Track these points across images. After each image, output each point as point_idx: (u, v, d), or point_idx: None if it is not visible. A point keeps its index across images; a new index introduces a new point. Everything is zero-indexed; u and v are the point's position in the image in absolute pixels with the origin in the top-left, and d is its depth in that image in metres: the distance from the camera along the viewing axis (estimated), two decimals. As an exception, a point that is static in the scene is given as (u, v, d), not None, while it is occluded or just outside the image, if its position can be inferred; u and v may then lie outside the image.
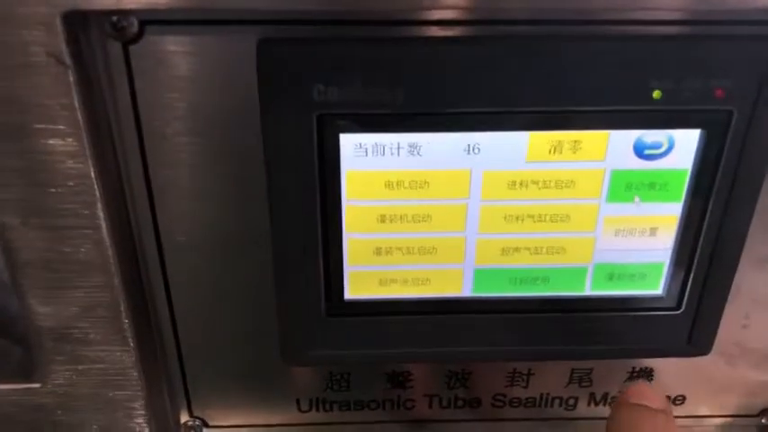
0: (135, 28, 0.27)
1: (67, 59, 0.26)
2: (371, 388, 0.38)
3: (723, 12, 0.27)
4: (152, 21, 0.27)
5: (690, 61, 0.28)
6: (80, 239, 0.30)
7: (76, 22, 0.26)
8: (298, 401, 0.38)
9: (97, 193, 0.29)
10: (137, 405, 0.34)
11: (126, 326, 0.32)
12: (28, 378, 0.34)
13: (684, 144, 0.30)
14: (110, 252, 0.30)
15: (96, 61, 0.28)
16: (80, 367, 0.33)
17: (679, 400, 0.39)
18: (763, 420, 0.40)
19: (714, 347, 0.35)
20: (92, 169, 0.28)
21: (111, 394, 0.34)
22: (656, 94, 0.29)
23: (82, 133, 0.28)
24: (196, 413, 0.38)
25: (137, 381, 0.34)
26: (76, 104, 0.27)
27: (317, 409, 0.38)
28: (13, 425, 0.35)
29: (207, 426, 0.38)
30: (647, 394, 0.30)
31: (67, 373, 0.34)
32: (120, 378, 0.34)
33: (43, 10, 0.25)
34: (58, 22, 0.25)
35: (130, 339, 0.32)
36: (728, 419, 0.40)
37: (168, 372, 0.36)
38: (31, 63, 0.26)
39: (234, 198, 0.31)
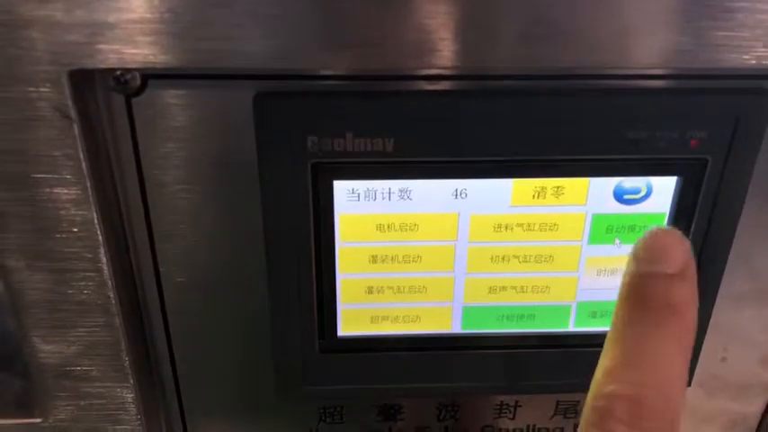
0: (137, 82, 0.29)
1: (73, 114, 0.28)
2: (364, 420, 0.39)
3: (696, 68, 0.28)
4: (154, 75, 0.29)
5: (666, 113, 0.30)
6: (83, 282, 0.31)
7: (82, 79, 0.27)
8: (291, 434, 0.39)
9: (100, 239, 0.30)
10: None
11: (126, 363, 0.33)
12: (29, 413, 0.35)
13: (662, 190, 0.32)
14: (111, 294, 0.31)
15: (100, 113, 0.29)
16: (81, 403, 0.34)
17: (661, 430, 0.40)
18: (743, 449, 0.41)
19: (694, 380, 0.37)
20: (95, 216, 0.30)
21: (111, 429, 0.35)
22: (635, 144, 0.30)
23: (86, 182, 0.29)
24: (193, 446, 0.39)
25: (136, 415, 0.35)
26: (81, 155, 0.28)
27: (311, 441, 0.39)
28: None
29: (204, 458, 0.39)
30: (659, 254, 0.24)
31: (69, 408, 0.35)
32: (120, 413, 0.35)
33: (51, 68, 0.26)
34: (65, 79, 0.27)
35: (130, 376, 0.34)
36: (709, 449, 0.41)
37: (166, 405, 0.37)
38: (39, 117, 0.27)
39: (231, 241, 0.33)
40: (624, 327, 0.24)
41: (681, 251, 0.24)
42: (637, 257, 0.24)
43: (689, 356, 0.23)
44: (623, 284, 0.24)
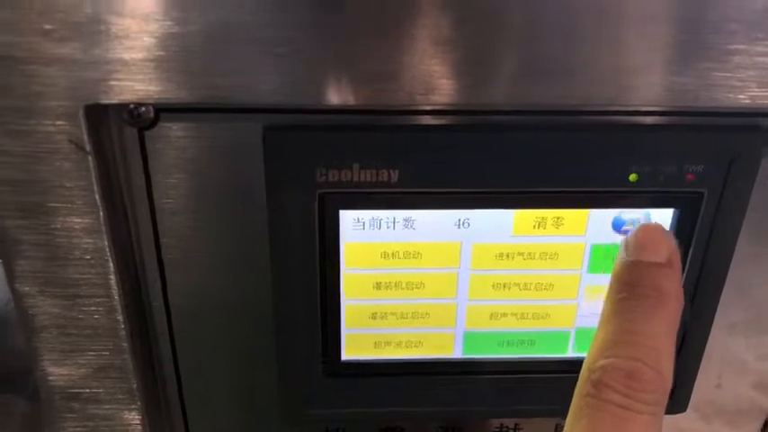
0: (151, 115, 0.29)
1: (88, 146, 0.28)
2: (366, 442, 0.40)
3: (694, 106, 0.29)
4: (166, 108, 0.29)
5: (664, 149, 0.30)
6: (93, 307, 0.32)
7: (97, 113, 0.28)
8: (295, 455, 0.40)
9: (111, 266, 0.31)
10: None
11: (134, 386, 0.34)
12: (38, 434, 0.36)
13: (659, 221, 0.33)
14: (121, 319, 0.32)
15: (113, 145, 0.30)
16: (89, 424, 0.35)
17: (658, 453, 0.41)
18: (738, 473, 0.42)
19: (690, 406, 0.38)
20: (107, 244, 0.30)
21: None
22: (633, 177, 0.31)
23: (99, 212, 0.30)
24: (198, 467, 0.40)
25: (144, 438, 0.36)
26: (95, 186, 0.29)
27: (314, 463, 0.40)
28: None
29: (208, 479, 0.40)
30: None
31: (77, 430, 0.35)
32: (129, 436, 0.35)
33: (68, 103, 0.27)
34: (81, 113, 0.28)
35: (138, 399, 0.34)
36: (705, 472, 0.42)
37: (172, 428, 0.38)
38: (55, 149, 0.28)
39: (238, 269, 0.33)
40: (615, 309, 0.26)
41: (667, 243, 0.26)
42: (627, 246, 0.26)
43: (674, 338, 0.26)
44: (614, 271, 0.27)
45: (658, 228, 0.27)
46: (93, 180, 0.29)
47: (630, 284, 0.26)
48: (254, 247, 0.33)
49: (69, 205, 0.30)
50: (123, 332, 0.33)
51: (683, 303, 0.26)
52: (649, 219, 0.33)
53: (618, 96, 0.29)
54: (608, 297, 0.26)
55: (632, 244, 0.26)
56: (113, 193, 0.30)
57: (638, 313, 0.25)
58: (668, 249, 0.26)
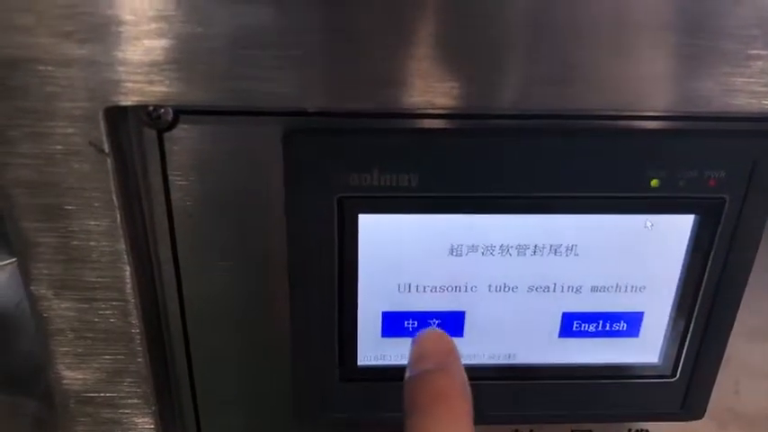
0: (170, 117, 0.29)
1: (107, 148, 0.28)
2: (379, 447, 0.39)
3: (715, 112, 0.29)
4: (186, 110, 0.29)
5: (686, 154, 0.30)
6: (109, 311, 0.32)
7: (116, 115, 0.28)
8: (307, 460, 0.39)
9: (128, 269, 0.31)
10: (155, 465, 0.36)
11: (149, 390, 0.34)
12: (52, 438, 0.35)
13: (680, 227, 0.32)
14: (136, 322, 0.32)
15: (131, 147, 0.30)
16: (103, 428, 0.35)
17: (674, 460, 0.41)
18: (753, 480, 0.41)
19: (707, 412, 0.37)
20: (124, 247, 0.30)
21: (131, 455, 0.36)
22: (654, 182, 0.31)
23: (116, 214, 0.30)
24: (211, 473, 0.39)
25: (156, 441, 0.35)
26: (113, 188, 0.29)
27: (326, 468, 0.40)
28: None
29: (221, 484, 0.40)
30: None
31: (90, 433, 0.35)
32: (140, 439, 0.35)
33: (88, 105, 0.27)
34: (101, 115, 0.27)
35: (152, 403, 0.34)
36: (721, 479, 0.42)
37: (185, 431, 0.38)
38: (73, 152, 0.28)
39: (254, 273, 0.33)
40: (407, 420, 0.27)
41: (438, 348, 0.28)
42: (408, 364, 0.28)
43: None
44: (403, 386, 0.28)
45: (428, 334, 0.29)
46: (111, 182, 0.29)
47: (411, 398, 0.27)
48: (270, 251, 0.32)
49: (87, 207, 0.29)
50: (138, 336, 0.32)
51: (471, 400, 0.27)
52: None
53: (639, 102, 0.29)
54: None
55: (409, 359, 0.28)
56: (131, 196, 0.30)
57: (424, 422, 0.26)
58: (439, 355, 0.28)
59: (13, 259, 0.53)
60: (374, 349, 0.35)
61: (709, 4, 0.26)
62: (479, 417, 0.37)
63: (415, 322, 0.34)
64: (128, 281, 0.31)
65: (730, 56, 0.27)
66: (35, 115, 0.27)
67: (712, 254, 0.33)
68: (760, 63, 0.27)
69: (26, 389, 0.39)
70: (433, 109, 0.29)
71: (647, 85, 0.28)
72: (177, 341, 0.35)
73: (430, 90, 0.28)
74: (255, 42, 0.27)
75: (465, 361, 0.34)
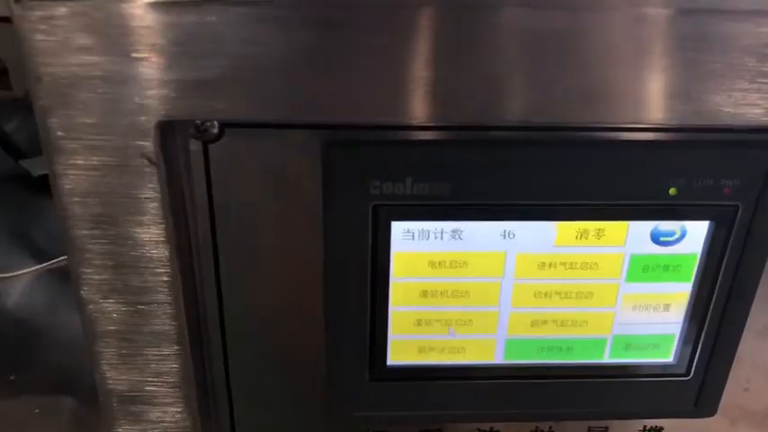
0: (216, 130, 0.31)
1: (157, 160, 0.30)
2: (406, 444, 0.41)
3: (728, 124, 0.31)
4: (231, 123, 0.31)
5: (702, 164, 0.32)
6: (155, 314, 0.33)
7: (166, 128, 0.30)
8: (337, 457, 0.41)
9: (173, 275, 0.32)
10: (193, 461, 0.37)
11: (190, 390, 0.35)
12: (94, 436, 0.37)
13: (695, 233, 0.34)
14: (180, 326, 0.33)
15: (179, 158, 0.31)
16: (143, 426, 0.36)
17: (686, 455, 0.42)
18: (762, 475, 0.43)
19: (719, 409, 0.39)
20: (171, 254, 0.32)
21: (170, 452, 0.37)
22: (672, 191, 0.32)
23: (164, 223, 0.31)
24: (243, 467, 0.41)
25: (194, 439, 0.37)
26: (162, 198, 0.31)
27: (354, 464, 0.41)
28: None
29: (252, 479, 0.41)
30: None
31: (131, 431, 0.36)
32: (180, 437, 0.37)
33: (142, 119, 0.29)
34: (154, 129, 0.29)
35: (193, 402, 0.35)
36: (731, 474, 0.43)
37: (220, 429, 0.39)
38: (126, 163, 0.30)
39: (291, 278, 0.34)
40: None
41: None
42: None
43: None
44: None
45: None
46: (161, 192, 0.30)
47: None
48: (306, 257, 0.34)
49: (136, 216, 0.31)
50: (182, 339, 0.34)
51: None
52: (685, 232, 0.34)
53: (659, 116, 0.30)
54: None
55: None
56: (177, 204, 0.32)
57: None
58: None
59: (30, 269, 0.54)
60: (403, 350, 0.37)
61: (728, 26, 0.28)
62: (502, 414, 0.39)
63: (447, 325, 0.36)
64: (174, 286, 0.32)
65: (746, 73, 0.29)
66: (92, 129, 0.29)
67: (726, 258, 0.34)
68: (772, 80, 0.29)
69: (65, 389, 0.40)
70: (464, 122, 0.31)
71: (669, 101, 0.30)
72: (216, 344, 0.36)
73: (464, 106, 0.30)
74: (298, 62, 0.28)
75: (497, 360, 0.36)
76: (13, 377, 0.42)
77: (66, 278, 0.55)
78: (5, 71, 0.43)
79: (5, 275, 0.52)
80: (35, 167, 0.61)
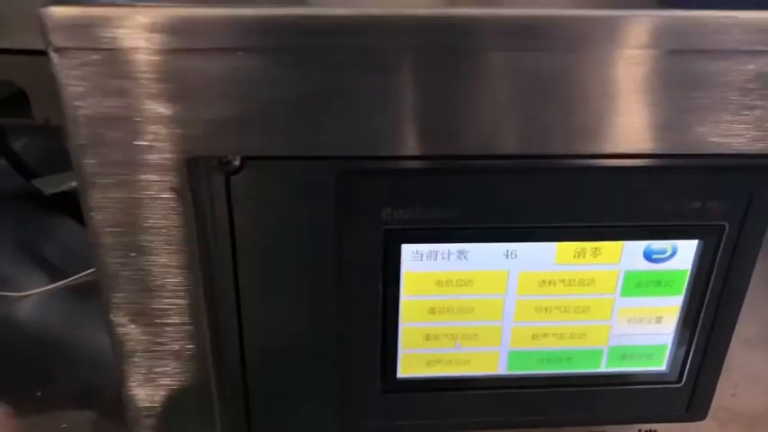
0: (237, 162, 0.33)
1: (184, 193, 0.32)
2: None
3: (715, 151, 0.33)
4: (252, 157, 0.33)
5: (691, 188, 0.34)
6: (180, 334, 0.35)
7: (192, 163, 0.32)
8: (350, 465, 0.43)
9: (198, 299, 0.34)
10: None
11: (215, 407, 0.37)
12: (121, 450, 0.39)
13: (685, 250, 0.36)
14: (205, 346, 0.35)
15: (202, 190, 0.33)
16: (170, 440, 0.38)
17: (679, 458, 0.45)
18: (750, 475, 0.46)
19: (709, 414, 0.42)
20: (196, 279, 0.34)
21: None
22: (664, 213, 0.35)
23: (189, 250, 0.33)
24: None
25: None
26: (188, 227, 0.33)
27: (367, 472, 0.43)
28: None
29: (269, 487, 0.43)
30: None
31: (158, 445, 0.39)
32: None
33: (170, 156, 0.31)
34: (182, 165, 0.31)
35: (217, 417, 0.38)
36: (721, 475, 0.46)
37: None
38: (155, 196, 0.32)
39: (306, 300, 0.36)
40: None
41: None
42: None
43: None
44: None
45: None
46: (186, 221, 0.33)
47: None
48: (321, 278, 0.36)
49: (164, 245, 0.33)
50: (207, 359, 0.36)
51: None
52: (676, 250, 0.36)
53: (650, 145, 0.33)
54: None
55: None
56: (201, 233, 0.34)
57: None
58: None
59: (46, 287, 0.56)
60: (413, 363, 0.39)
61: (713, 65, 0.30)
62: (506, 422, 0.41)
63: (454, 339, 0.38)
64: (199, 309, 0.34)
65: (730, 106, 0.31)
66: (123, 165, 0.31)
67: (713, 274, 0.37)
68: (757, 112, 0.31)
69: (89, 404, 0.42)
70: (470, 152, 0.33)
71: (659, 132, 0.32)
72: (234, 361, 0.38)
73: (459, 136, 0.32)
74: (313, 100, 0.31)
75: (500, 371, 0.38)
76: (39, 393, 0.44)
77: (79, 295, 0.57)
78: (27, 100, 0.45)
79: (23, 294, 0.54)
80: (47, 186, 0.63)
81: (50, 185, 0.63)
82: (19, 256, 0.61)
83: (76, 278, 0.54)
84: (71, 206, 0.63)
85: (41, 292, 0.54)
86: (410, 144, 0.33)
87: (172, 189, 0.32)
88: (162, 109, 0.30)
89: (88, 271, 0.57)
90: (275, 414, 0.41)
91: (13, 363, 0.49)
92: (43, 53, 0.29)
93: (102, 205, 0.32)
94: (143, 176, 0.31)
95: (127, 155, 0.31)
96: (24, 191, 0.66)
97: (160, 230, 0.33)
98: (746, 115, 0.32)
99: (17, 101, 0.47)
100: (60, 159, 0.65)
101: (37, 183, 0.63)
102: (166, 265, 0.34)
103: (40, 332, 0.52)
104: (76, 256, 0.61)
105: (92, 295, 0.56)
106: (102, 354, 0.48)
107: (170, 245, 0.33)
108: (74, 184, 0.62)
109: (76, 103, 0.29)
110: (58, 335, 0.51)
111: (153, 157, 0.31)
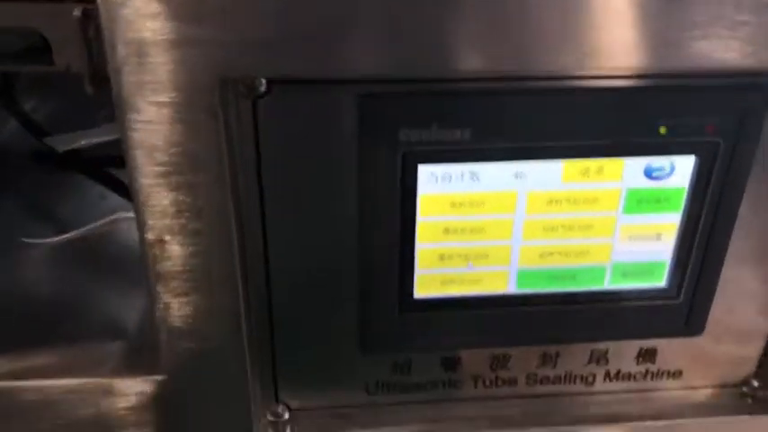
0: (263, 87, 0.35)
1: (217, 114, 0.34)
2: (427, 372, 0.45)
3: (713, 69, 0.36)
4: (277, 80, 0.35)
5: (687, 105, 0.37)
6: (212, 254, 0.37)
7: (224, 85, 0.34)
8: (366, 385, 0.46)
9: (228, 219, 0.36)
10: (244, 392, 0.42)
11: (243, 325, 0.39)
12: (154, 371, 0.41)
13: (683, 168, 0.39)
14: (236, 264, 0.37)
15: (231, 113, 0.35)
16: (201, 360, 0.40)
17: (678, 374, 0.47)
18: (744, 388, 0.48)
19: (706, 329, 0.44)
20: (228, 198, 0.36)
21: (223, 384, 0.41)
22: (662, 130, 0.37)
23: (219, 172, 0.35)
24: (282, 399, 0.45)
25: (244, 373, 0.41)
26: (218, 149, 0.35)
27: (382, 392, 0.46)
28: (140, 414, 0.42)
29: (290, 409, 0.46)
30: None
31: (190, 362, 0.40)
32: (231, 371, 0.41)
33: (204, 78, 0.33)
34: (215, 86, 0.33)
35: (245, 337, 0.40)
36: (717, 389, 0.49)
37: (262, 363, 0.43)
38: (189, 118, 0.34)
39: (328, 221, 0.39)
40: None
41: None
42: None
43: None
44: None
45: None
46: (218, 143, 0.35)
47: None
48: (342, 200, 0.38)
49: (197, 165, 0.35)
50: (234, 277, 0.38)
51: None
52: (674, 167, 0.39)
53: (649, 63, 0.35)
54: None
55: None
56: (231, 155, 0.36)
57: None
58: None
59: (57, 237, 0.58)
60: (428, 284, 0.41)
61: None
62: (514, 340, 0.44)
63: (467, 259, 0.41)
64: (232, 228, 0.36)
65: (725, 21, 0.34)
66: (159, 86, 0.33)
67: (710, 189, 0.39)
68: (747, 28, 0.34)
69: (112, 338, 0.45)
70: (484, 74, 0.35)
71: (657, 49, 0.34)
72: (261, 282, 0.40)
73: (482, 57, 0.34)
74: (339, 25, 0.33)
75: (510, 290, 0.41)
76: (63, 327, 0.46)
77: (88, 249, 0.59)
78: (48, 48, 0.46)
79: (39, 241, 0.56)
80: (59, 144, 0.64)
81: (63, 143, 0.64)
82: (30, 212, 0.63)
83: (89, 228, 0.56)
84: (83, 163, 0.65)
85: (57, 241, 0.56)
86: (425, 66, 0.35)
87: (206, 111, 0.33)
88: (195, 32, 0.32)
89: (103, 220, 0.59)
90: (299, 334, 0.43)
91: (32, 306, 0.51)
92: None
93: (137, 127, 0.34)
94: (177, 98, 0.33)
95: (160, 75, 0.32)
96: (35, 150, 0.67)
97: (192, 151, 0.35)
98: (740, 31, 0.34)
99: (36, 50, 0.48)
100: (70, 119, 0.67)
101: (49, 141, 0.65)
102: (198, 186, 0.35)
103: (49, 282, 0.54)
104: (90, 211, 0.62)
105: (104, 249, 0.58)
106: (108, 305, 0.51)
107: (201, 166, 0.35)
108: (85, 141, 0.64)
109: (116, 27, 0.31)
110: (69, 285, 0.53)
111: (187, 79, 0.33)
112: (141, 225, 0.36)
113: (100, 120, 0.64)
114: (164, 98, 0.33)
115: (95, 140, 0.63)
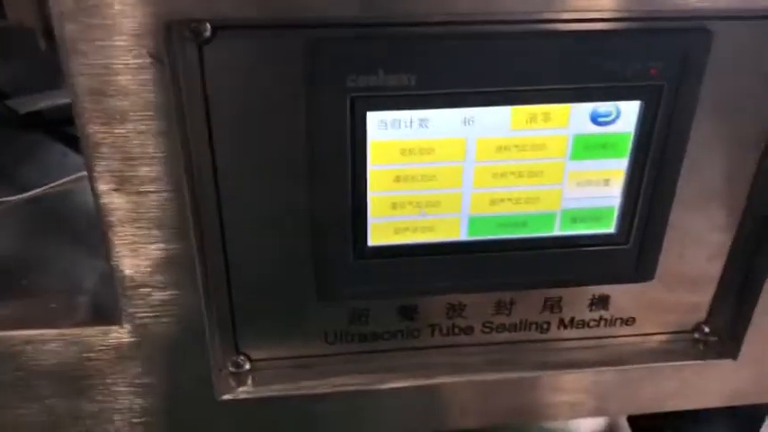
0: (208, 32, 0.35)
1: (162, 58, 0.34)
2: (385, 321, 0.46)
3: (654, 11, 0.36)
4: (222, 26, 0.35)
5: (631, 49, 0.37)
6: (163, 202, 0.38)
7: (169, 30, 0.34)
8: (325, 335, 0.46)
9: (178, 167, 0.37)
10: (203, 343, 0.42)
11: (198, 275, 0.40)
12: (110, 321, 0.42)
13: (628, 113, 0.39)
14: (188, 212, 0.38)
15: (178, 60, 0.35)
16: (156, 309, 0.41)
17: (630, 321, 0.49)
18: (696, 335, 0.50)
19: (656, 276, 0.45)
20: (177, 145, 0.36)
21: (182, 335, 0.42)
22: (607, 74, 0.38)
23: (167, 119, 0.35)
24: (242, 349, 0.46)
25: (201, 322, 0.42)
26: (166, 95, 0.35)
27: (341, 341, 0.47)
28: (101, 365, 0.42)
29: (251, 360, 0.46)
30: None
31: (144, 313, 0.41)
32: (188, 320, 0.41)
33: (148, 21, 0.33)
34: (160, 30, 0.33)
35: (200, 286, 0.40)
36: (670, 336, 0.50)
37: (220, 313, 0.44)
38: (133, 62, 0.34)
39: (279, 169, 0.39)
40: None
41: None
42: None
43: None
44: None
45: None
46: (165, 90, 0.35)
47: None
48: (292, 148, 0.39)
49: (143, 111, 0.35)
50: (186, 225, 0.38)
51: None
52: (620, 112, 0.40)
53: (596, 5, 0.36)
54: None
55: None
56: (178, 101, 0.36)
57: None
58: None
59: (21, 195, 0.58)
60: (382, 231, 0.42)
61: None
62: (468, 286, 0.44)
63: (418, 207, 0.41)
64: (181, 176, 0.37)
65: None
66: (103, 30, 0.33)
67: (654, 134, 0.40)
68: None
69: (76, 291, 0.45)
70: (428, 17, 0.36)
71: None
72: (215, 229, 0.41)
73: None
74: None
75: (462, 237, 0.41)
76: (25, 281, 0.46)
77: (50, 207, 0.59)
78: (0, 3, 0.46)
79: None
80: (21, 106, 0.64)
81: (25, 105, 0.64)
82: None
83: (51, 186, 0.56)
84: (45, 125, 0.65)
85: (19, 198, 0.56)
86: (371, 7, 0.35)
87: (149, 54, 0.34)
88: (137, -26, 0.32)
89: (65, 179, 0.59)
90: (256, 283, 0.43)
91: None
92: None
93: (83, 72, 0.34)
94: (120, 42, 0.33)
95: (103, 19, 0.33)
96: (-1, 112, 0.67)
97: (139, 97, 0.35)
98: (679, -27, 0.34)
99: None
100: (32, 82, 0.67)
101: (11, 103, 0.64)
102: (146, 133, 0.36)
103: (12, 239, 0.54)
104: (52, 171, 0.63)
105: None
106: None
107: (149, 112, 0.35)
108: (47, 103, 0.64)
109: (56, -30, 0.31)
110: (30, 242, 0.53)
111: (128, 22, 0.33)
112: (91, 174, 0.36)
113: (61, 82, 0.64)
114: (108, 42, 0.33)
115: (58, 102, 0.63)
